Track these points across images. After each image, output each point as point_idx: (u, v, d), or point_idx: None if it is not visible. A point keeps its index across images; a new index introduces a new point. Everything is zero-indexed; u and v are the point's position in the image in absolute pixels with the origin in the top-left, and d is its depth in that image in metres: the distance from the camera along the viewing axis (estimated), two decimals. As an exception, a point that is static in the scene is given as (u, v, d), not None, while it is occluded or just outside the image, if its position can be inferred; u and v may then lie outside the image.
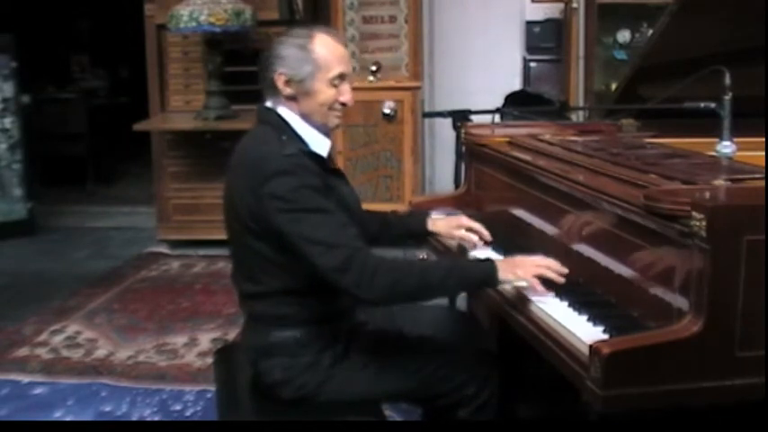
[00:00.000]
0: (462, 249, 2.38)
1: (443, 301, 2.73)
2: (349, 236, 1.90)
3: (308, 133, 2.03)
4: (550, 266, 1.93)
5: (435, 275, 1.93)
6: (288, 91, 2.00)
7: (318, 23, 5.28)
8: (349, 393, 2.00)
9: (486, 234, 2.33)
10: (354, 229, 1.95)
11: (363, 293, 1.87)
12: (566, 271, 1.92)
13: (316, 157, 2.00)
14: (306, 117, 2.02)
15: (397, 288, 1.88)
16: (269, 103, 2.06)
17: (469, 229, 2.34)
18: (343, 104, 2.04)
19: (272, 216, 1.89)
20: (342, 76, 2.01)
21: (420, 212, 2.51)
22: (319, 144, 2.04)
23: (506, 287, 1.97)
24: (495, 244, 2.32)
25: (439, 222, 2.40)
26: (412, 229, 2.42)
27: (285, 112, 2.03)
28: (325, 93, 2.00)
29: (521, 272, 1.92)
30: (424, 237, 2.43)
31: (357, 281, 1.85)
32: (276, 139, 1.98)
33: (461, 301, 3.00)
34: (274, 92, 2.03)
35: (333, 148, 2.10)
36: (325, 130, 2.06)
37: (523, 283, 1.93)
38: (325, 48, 1.99)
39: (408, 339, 2.07)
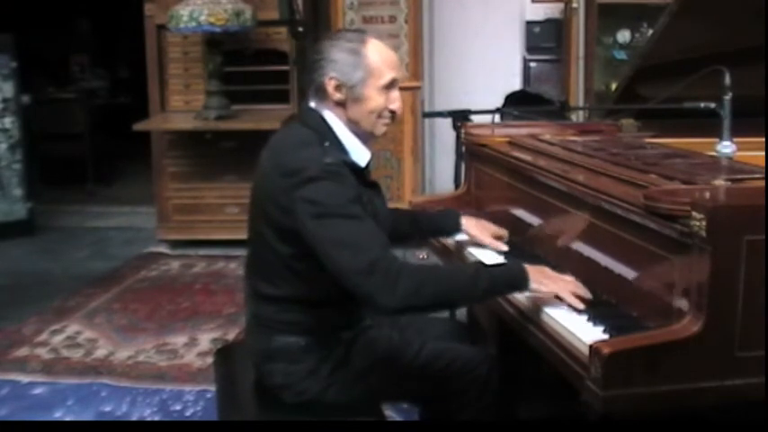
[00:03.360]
0: (459, 248, 2.39)
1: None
2: (377, 242, 1.84)
3: (351, 142, 1.98)
4: (578, 288, 1.88)
5: (462, 279, 1.88)
6: (337, 96, 1.94)
7: (319, 23, 5.25)
8: (350, 398, 1.99)
9: (504, 246, 2.32)
10: (383, 237, 1.89)
11: (385, 299, 1.78)
12: (590, 296, 1.86)
13: (354, 167, 1.96)
14: (353, 123, 1.97)
15: (422, 293, 1.79)
16: (313, 105, 2.00)
17: (498, 238, 2.33)
18: (393, 112, 1.99)
19: (302, 219, 1.85)
20: (393, 83, 1.97)
21: (450, 211, 2.47)
22: (360, 154, 1.99)
23: (518, 296, 1.93)
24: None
25: (472, 223, 2.36)
26: (444, 227, 2.38)
27: (330, 116, 1.98)
28: (375, 100, 1.95)
29: (552, 285, 1.87)
30: (454, 234, 2.39)
31: (380, 285, 1.78)
32: (318, 143, 1.93)
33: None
34: (322, 95, 1.97)
35: (372, 159, 2.04)
36: (367, 140, 2.01)
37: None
38: (377, 53, 1.95)
39: (409, 342, 2.06)
